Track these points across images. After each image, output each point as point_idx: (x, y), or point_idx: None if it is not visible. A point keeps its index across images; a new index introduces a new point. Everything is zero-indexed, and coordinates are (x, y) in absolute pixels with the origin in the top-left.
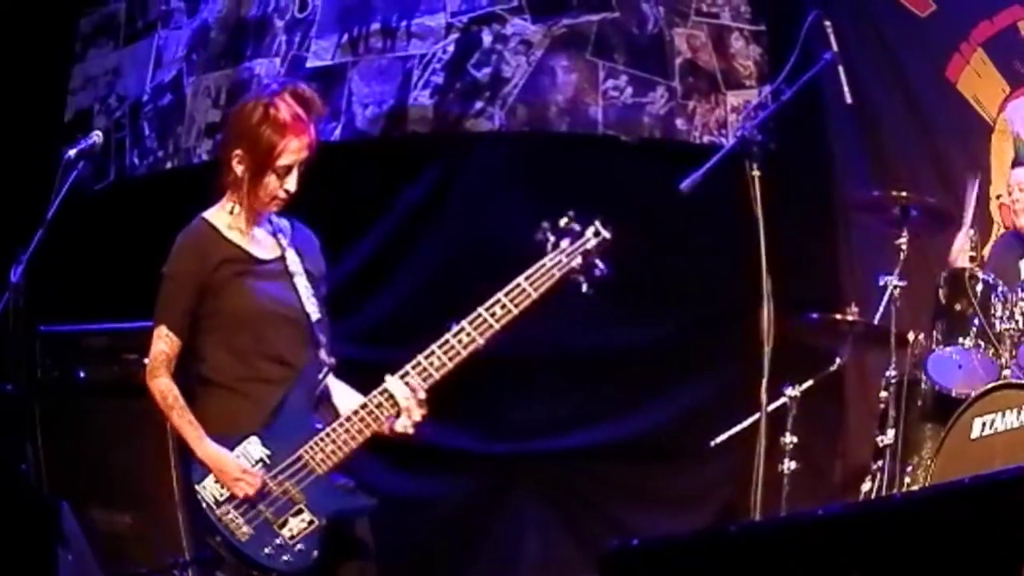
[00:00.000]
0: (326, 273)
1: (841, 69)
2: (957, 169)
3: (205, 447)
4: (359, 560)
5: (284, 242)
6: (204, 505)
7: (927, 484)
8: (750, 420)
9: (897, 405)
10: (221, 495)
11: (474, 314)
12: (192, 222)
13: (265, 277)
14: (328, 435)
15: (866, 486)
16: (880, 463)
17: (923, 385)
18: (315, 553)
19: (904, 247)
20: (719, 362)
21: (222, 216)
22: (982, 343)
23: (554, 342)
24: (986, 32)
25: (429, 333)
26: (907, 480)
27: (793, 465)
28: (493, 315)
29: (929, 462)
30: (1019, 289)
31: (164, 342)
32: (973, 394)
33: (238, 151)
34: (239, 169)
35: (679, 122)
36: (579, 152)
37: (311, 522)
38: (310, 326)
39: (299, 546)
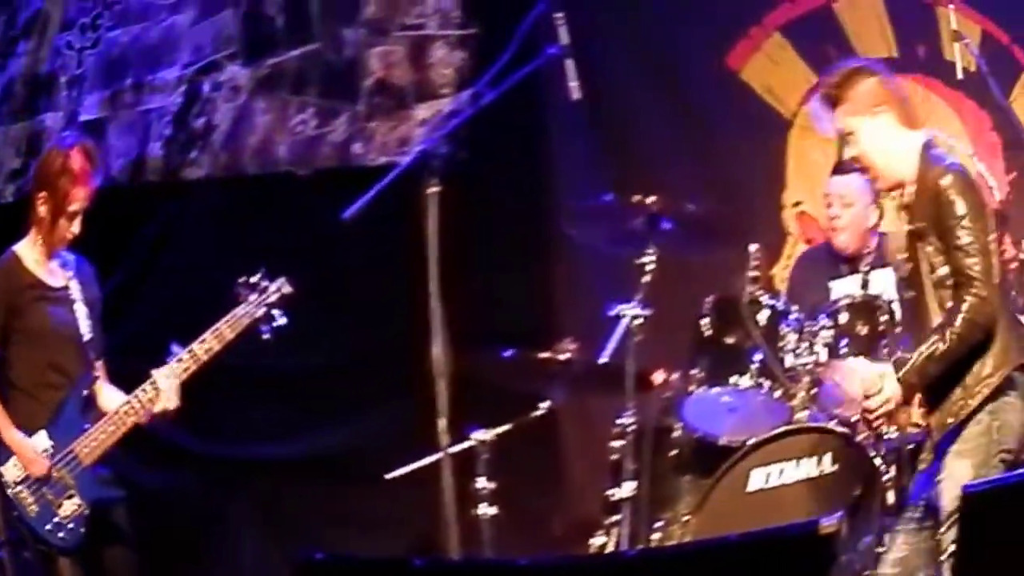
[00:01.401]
0: (100, 297)
1: (570, 63)
2: (741, 172)
3: (11, 433)
4: (119, 545)
5: (70, 273)
6: (4, 484)
7: (683, 541)
8: (429, 459)
9: (637, 456)
10: (18, 476)
11: (192, 345)
12: (4, 254)
13: (55, 302)
14: (95, 431)
15: (598, 540)
16: (617, 517)
17: (676, 433)
18: (82, 531)
19: (649, 267)
20: (402, 393)
21: (26, 249)
22: (766, 381)
23: (250, 364)
24: (787, 15)
25: (163, 353)
26: (656, 536)
27: (492, 511)
28: (203, 347)
29: (687, 518)
30: (822, 316)
31: None
32: (751, 442)
33: (41, 195)
34: (42, 210)
35: (356, 147)
36: (271, 191)
37: (79, 505)
38: (84, 344)
39: (71, 525)
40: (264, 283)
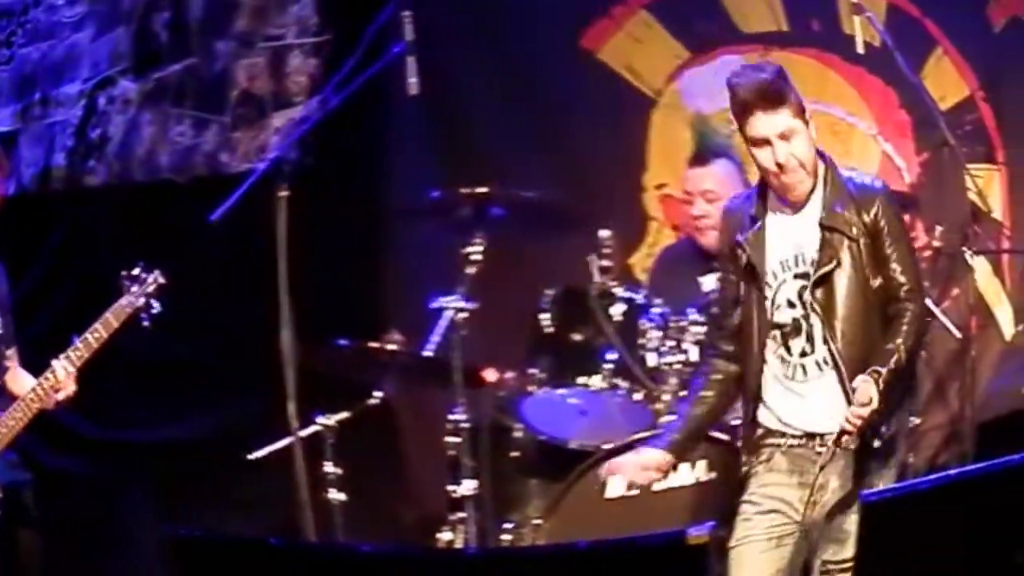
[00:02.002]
0: (9, 293)
1: (411, 60)
2: (594, 155)
3: None
4: (29, 527)
5: None
6: None
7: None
8: (283, 442)
9: (475, 454)
10: None
11: (85, 334)
12: None
13: None
14: (6, 417)
15: (446, 536)
16: (462, 514)
17: (517, 434)
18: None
19: (474, 257)
20: (264, 380)
21: None
22: (623, 383)
23: (135, 354)
24: None
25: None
26: (508, 537)
27: (342, 496)
28: (94, 335)
29: (539, 521)
30: (692, 311)
31: None
32: (607, 447)
33: None
34: None
35: (223, 156)
36: (155, 197)
37: None
38: None
39: None
40: (143, 275)
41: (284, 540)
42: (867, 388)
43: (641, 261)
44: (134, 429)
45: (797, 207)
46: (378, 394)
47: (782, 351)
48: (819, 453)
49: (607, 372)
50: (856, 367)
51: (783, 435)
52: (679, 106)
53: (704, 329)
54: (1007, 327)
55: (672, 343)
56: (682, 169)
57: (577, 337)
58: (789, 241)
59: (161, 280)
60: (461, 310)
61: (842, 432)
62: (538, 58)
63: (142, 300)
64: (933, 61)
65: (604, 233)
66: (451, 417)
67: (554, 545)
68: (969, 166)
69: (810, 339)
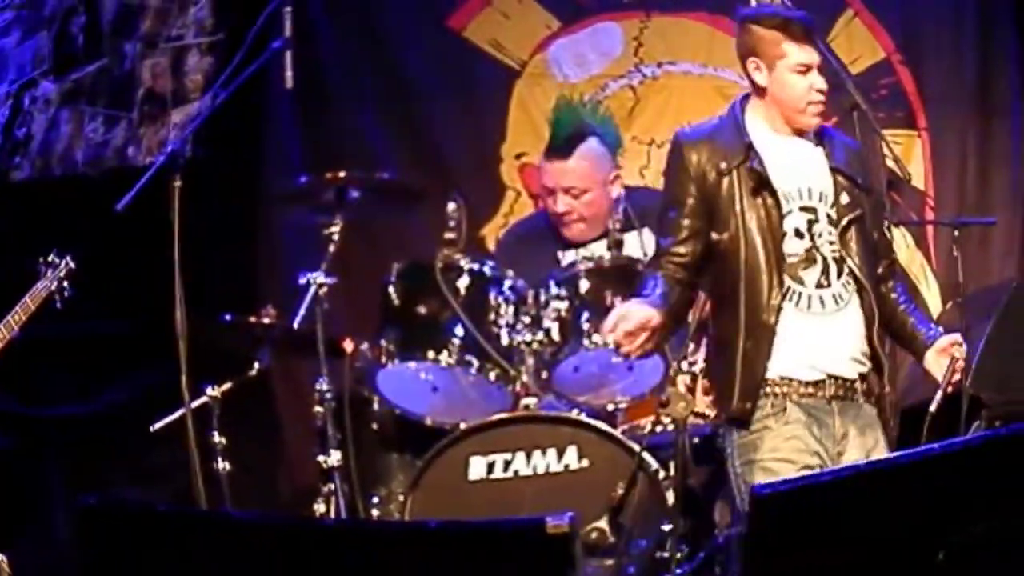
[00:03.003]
0: None
1: (288, 55)
2: (456, 132)
3: None
4: None
5: None
6: None
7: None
8: (176, 414)
9: (339, 424)
10: None
11: (7, 318)
12: None
13: None
14: None
15: (320, 508)
16: (332, 486)
17: (376, 406)
18: None
19: (335, 236)
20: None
21: None
22: (475, 360)
23: (51, 334)
24: None
25: None
26: (375, 512)
27: (227, 466)
28: (14, 318)
29: (403, 497)
30: (552, 284)
31: None
32: (463, 427)
33: None
34: None
35: (131, 150)
36: (72, 190)
37: None
38: None
39: None
40: (56, 260)
41: (170, 507)
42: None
43: (494, 231)
44: (50, 405)
45: (795, 143)
46: (257, 365)
47: (792, 283)
48: (837, 398)
49: (454, 348)
50: (870, 313)
51: (791, 382)
52: (545, 75)
53: (566, 305)
54: (934, 306)
55: (528, 319)
56: (545, 135)
57: (423, 310)
58: (795, 172)
59: (71, 265)
60: (322, 285)
61: (953, 372)
62: (406, 44)
63: (55, 284)
64: (843, 22)
65: (451, 206)
66: (317, 387)
67: (402, 522)
68: (886, 131)
69: (825, 272)
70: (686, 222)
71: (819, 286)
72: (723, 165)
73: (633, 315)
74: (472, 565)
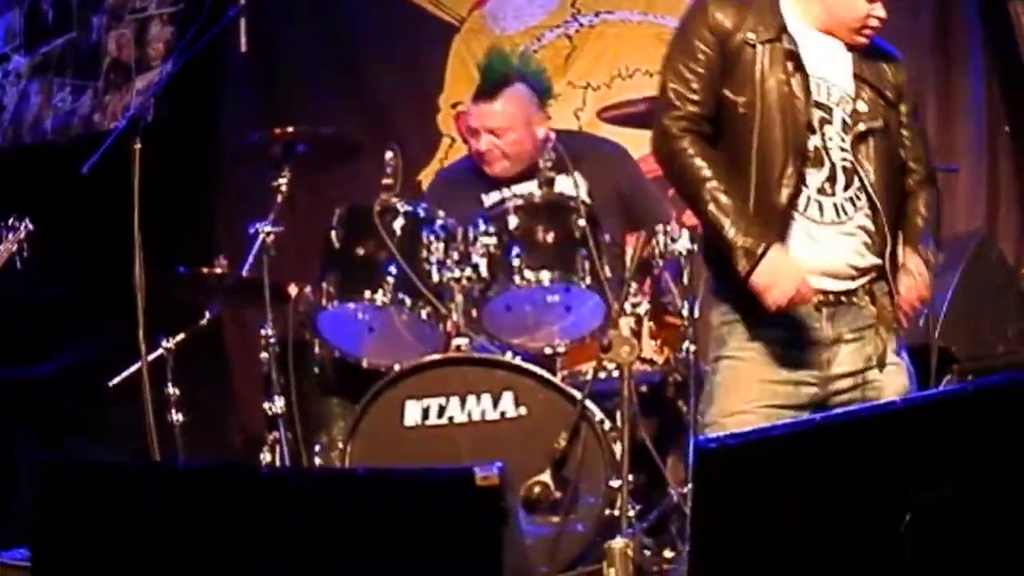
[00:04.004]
0: None
1: (242, 21)
2: (396, 86)
3: None
4: None
5: None
6: None
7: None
8: (133, 368)
9: (282, 370)
10: None
11: None
12: None
13: None
14: None
15: (266, 457)
16: (276, 434)
17: (317, 349)
18: None
19: (283, 188)
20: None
21: None
22: (407, 298)
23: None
24: None
25: None
26: (317, 461)
27: (180, 417)
28: None
29: (343, 445)
30: (479, 221)
31: None
32: (396, 369)
33: None
34: None
35: (96, 117)
36: (41, 157)
37: None
38: None
39: None
40: (16, 223)
41: (128, 462)
42: (920, 264)
43: (429, 176)
44: (12, 367)
45: (825, 40)
46: (208, 315)
47: (796, 180)
48: (827, 305)
49: (388, 286)
50: (881, 235)
51: None
52: (483, 29)
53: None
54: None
55: (457, 255)
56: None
57: (361, 252)
58: (817, 68)
59: (30, 227)
60: (269, 233)
61: (898, 309)
62: (352, 7)
63: (15, 246)
64: None
65: (388, 154)
66: (262, 332)
67: (332, 468)
68: None
69: (832, 178)
70: (701, 71)
71: (821, 191)
72: (752, 36)
73: (788, 274)
74: (402, 514)
